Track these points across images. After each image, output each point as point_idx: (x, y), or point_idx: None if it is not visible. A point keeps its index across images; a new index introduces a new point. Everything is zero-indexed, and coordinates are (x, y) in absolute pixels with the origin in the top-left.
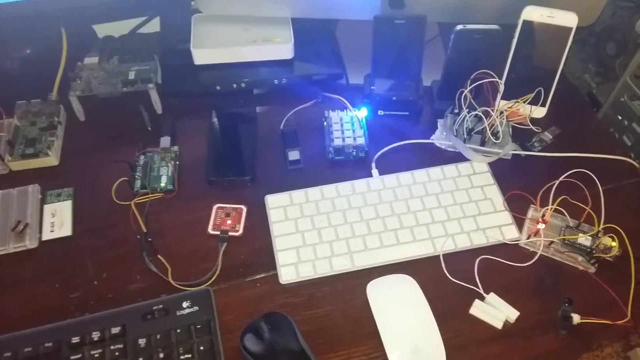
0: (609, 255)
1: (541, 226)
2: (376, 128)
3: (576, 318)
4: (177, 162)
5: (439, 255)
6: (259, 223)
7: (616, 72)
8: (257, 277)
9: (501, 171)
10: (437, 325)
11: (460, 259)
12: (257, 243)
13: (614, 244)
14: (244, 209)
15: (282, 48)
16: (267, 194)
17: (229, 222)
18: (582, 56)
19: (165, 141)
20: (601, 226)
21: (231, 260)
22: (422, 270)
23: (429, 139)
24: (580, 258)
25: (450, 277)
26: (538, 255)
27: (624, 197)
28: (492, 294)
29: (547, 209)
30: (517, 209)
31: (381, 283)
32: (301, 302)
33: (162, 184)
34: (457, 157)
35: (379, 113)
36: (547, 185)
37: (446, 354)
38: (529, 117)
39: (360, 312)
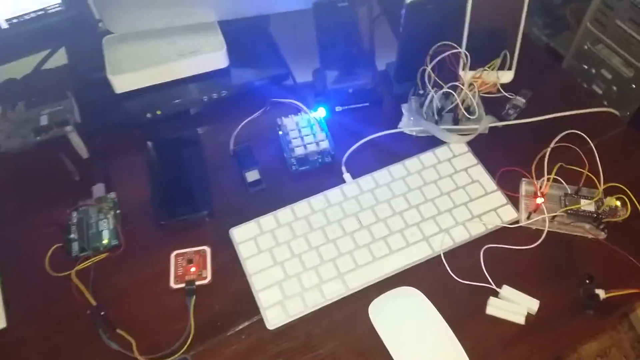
0: (617, 218)
1: (540, 200)
2: (337, 127)
3: (601, 294)
4: (118, 211)
5: (440, 255)
6: (228, 263)
7: (567, 20)
8: (240, 327)
9: (482, 148)
10: (455, 335)
11: (462, 255)
12: (232, 287)
13: (619, 203)
14: (208, 250)
15: (214, 57)
16: (231, 226)
17: (193, 269)
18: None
19: (98, 189)
20: (602, 187)
21: (205, 314)
22: (424, 277)
23: (396, 128)
24: (588, 226)
25: (456, 278)
26: (545, 233)
27: (617, 151)
28: (505, 286)
29: (543, 181)
30: (509, 187)
31: (383, 302)
32: (298, 346)
33: (105, 241)
34: (432, 143)
35: (336, 109)
36: (539, 155)
37: None
38: (498, 84)
39: (368, 341)
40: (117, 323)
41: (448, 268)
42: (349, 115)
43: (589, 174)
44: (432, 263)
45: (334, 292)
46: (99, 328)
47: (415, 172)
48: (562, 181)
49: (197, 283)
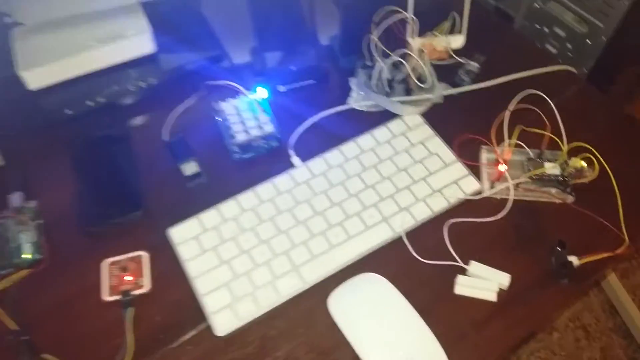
0: (584, 179)
1: (503, 167)
2: (282, 108)
3: (574, 261)
4: (40, 221)
5: (401, 237)
6: (169, 268)
7: None
8: (186, 337)
9: (438, 118)
10: (424, 320)
11: (425, 234)
12: (174, 294)
13: (584, 164)
14: (145, 255)
15: (138, 42)
16: (168, 226)
17: (128, 278)
18: None
19: (16, 199)
20: (566, 148)
21: (145, 326)
22: (387, 261)
23: (345, 104)
24: (554, 190)
25: (421, 259)
26: (510, 201)
27: (577, 109)
28: (473, 262)
29: (504, 146)
30: (469, 156)
31: (343, 293)
32: (253, 352)
33: (26, 256)
34: (384, 117)
35: (280, 90)
36: (497, 120)
37: (446, 352)
38: (449, 50)
39: (330, 337)
40: (45, 347)
41: (411, 249)
42: (294, 95)
43: (551, 136)
44: (394, 245)
45: (290, 287)
46: (21, 355)
47: (369, 149)
48: (524, 145)
49: (134, 293)
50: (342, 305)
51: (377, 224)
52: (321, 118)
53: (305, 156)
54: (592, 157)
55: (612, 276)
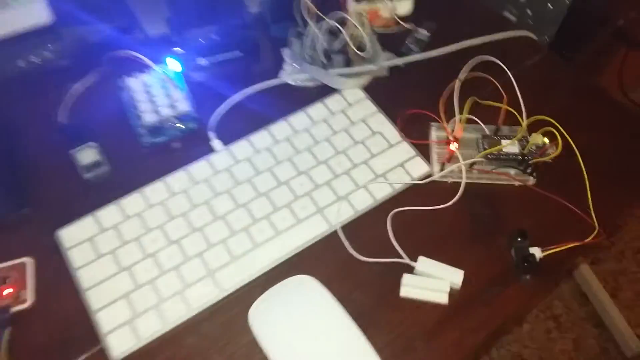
0: (546, 157)
1: (454, 146)
2: (202, 85)
3: (537, 253)
4: None
5: (337, 231)
6: (57, 277)
7: None
8: None
9: (382, 93)
10: (362, 332)
11: (367, 226)
12: (62, 309)
13: (546, 140)
14: (29, 262)
15: (32, 11)
16: (59, 227)
17: (8, 291)
18: None
19: None
20: (526, 122)
21: (26, 349)
22: (321, 260)
23: (277, 78)
24: (513, 171)
25: (360, 257)
26: (462, 185)
27: (539, 79)
28: (421, 258)
29: (454, 122)
30: (417, 135)
31: (267, 302)
32: None
33: None
34: (321, 92)
35: (200, 63)
36: (446, 91)
37: None
38: (395, 16)
39: (252, 357)
40: None
41: (348, 245)
42: (217, 70)
43: (509, 109)
44: (330, 241)
45: (203, 297)
46: None
47: (303, 129)
48: (479, 121)
49: (15, 309)
50: (264, 317)
51: (309, 216)
52: (249, 95)
53: (229, 139)
54: (555, 132)
55: (582, 264)
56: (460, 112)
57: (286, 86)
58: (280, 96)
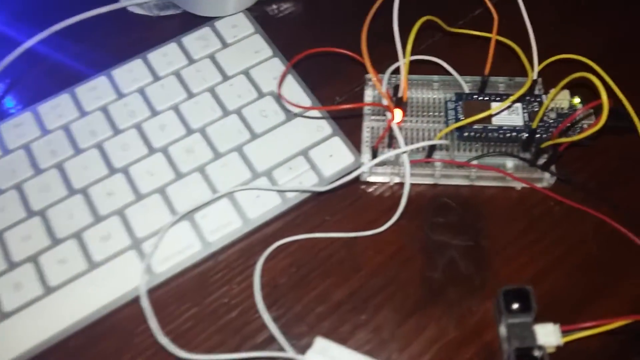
0: (578, 136)
1: (398, 116)
2: None
3: (551, 338)
4: None
5: (140, 296)
6: None
7: None
8: None
9: (282, 25)
10: None
11: (211, 282)
12: None
13: (577, 101)
14: None
15: None
16: None
17: None
18: None
19: None
20: (538, 67)
21: None
22: (121, 344)
23: (114, 2)
24: (511, 162)
25: (181, 354)
26: (406, 192)
27: None
28: (319, 342)
29: (397, 68)
30: (347, 97)
31: None
32: None
33: None
34: (183, 24)
35: None
36: (374, 6)
37: None
38: None
39: None
40: None
41: (161, 328)
42: None
43: (506, 42)
44: (129, 311)
45: None
46: None
47: (136, 89)
48: (446, 65)
49: None
50: None
51: (118, 254)
52: (61, 30)
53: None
54: (597, 84)
55: None
56: (409, 53)
57: (128, 16)
58: (118, 32)
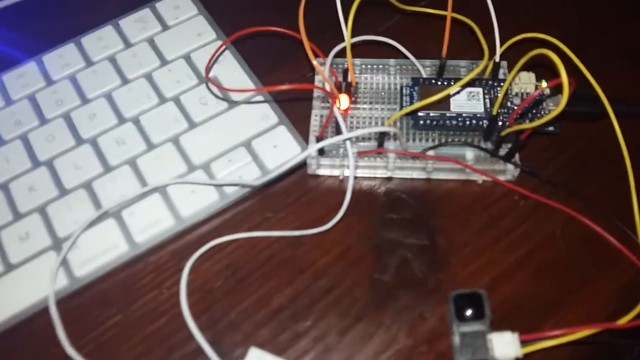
0: (541, 120)
1: (344, 102)
2: None
3: (508, 349)
4: None
5: (49, 308)
6: None
7: None
8: None
9: (228, 6)
10: None
11: (138, 286)
12: None
13: (543, 84)
14: None
15: None
16: None
17: None
18: None
19: None
20: (500, 48)
21: None
22: None
23: None
24: (470, 153)
25: None
26: (350, 186)
27: None
28: (253, 351)
29: (337, 54)
30: (299, 81)
31: None
32: None
33: None
34: (124, 5)
35: None
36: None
37: None
38: None
39: None
40: None
41: (68, 338)
42: None
43: (464, 20)
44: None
45: None
46: None
47: (65, 76)
48: (400, 47)
49: None
50: None
51: (33, 259)
52: None
53: None
54: (553, 60)
55: None
56: (347, 29)
57: None
58: (49, 16)
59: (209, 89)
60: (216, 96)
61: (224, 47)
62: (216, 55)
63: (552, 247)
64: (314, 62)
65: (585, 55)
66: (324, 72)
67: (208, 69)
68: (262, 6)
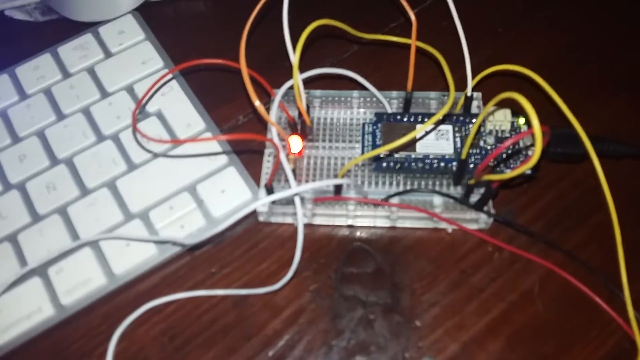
0: (521, 168)
1: (296, 145)
2: None
3: None
4: None
5: None
6: None
7: None
8: None
9: (179, 30)
10: None
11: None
12: None
13: (522, 121)
14: None
15: None
16: None
17: None
18: None
19: None
20: (472, 80)
21: None
22: None
23: None
24: (438, 200)
25: None
26: (300, 239)
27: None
28: None
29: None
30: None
31: None
32: None
33: None
34: (67, 30)
35: None
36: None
37: None
38: None
39: None
40: None
41: None
42: None
43: (431, 51)
44: None
45: None
46: None
47: None
48: (362, 79)
49: None
50: None
51: None
52: None
53: None
54: (524, 107)
55: None
56: (295, 61)
57: (1, 19)
58: None
59: (163, 125)
60: (170, 133)
61: (169, 76)
62: (156, 86)
63: (529, 307)
64: (256, 104)
65: (569, 80)
66: (270, 115)
67: (137, 109)
68: (219, 29)
